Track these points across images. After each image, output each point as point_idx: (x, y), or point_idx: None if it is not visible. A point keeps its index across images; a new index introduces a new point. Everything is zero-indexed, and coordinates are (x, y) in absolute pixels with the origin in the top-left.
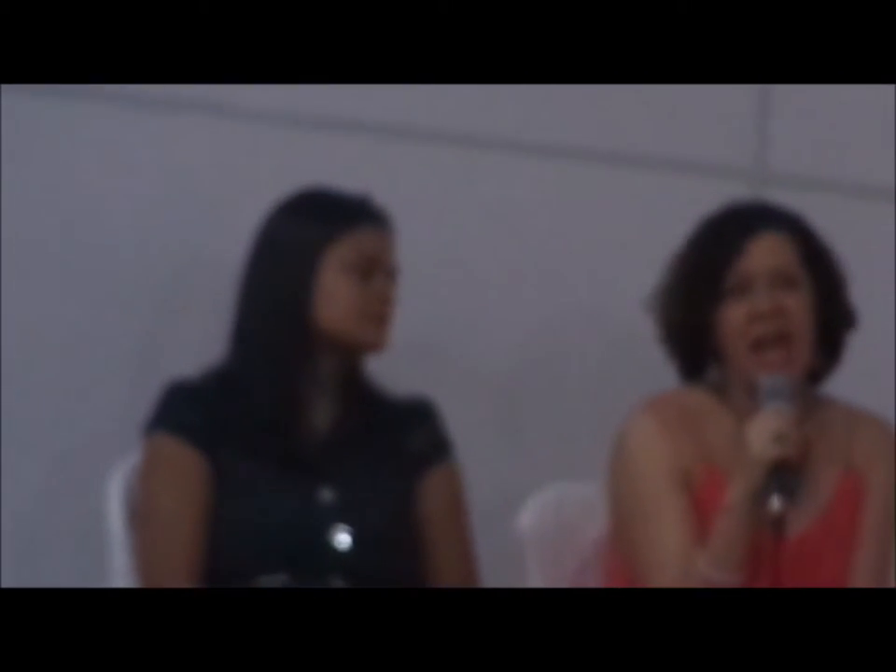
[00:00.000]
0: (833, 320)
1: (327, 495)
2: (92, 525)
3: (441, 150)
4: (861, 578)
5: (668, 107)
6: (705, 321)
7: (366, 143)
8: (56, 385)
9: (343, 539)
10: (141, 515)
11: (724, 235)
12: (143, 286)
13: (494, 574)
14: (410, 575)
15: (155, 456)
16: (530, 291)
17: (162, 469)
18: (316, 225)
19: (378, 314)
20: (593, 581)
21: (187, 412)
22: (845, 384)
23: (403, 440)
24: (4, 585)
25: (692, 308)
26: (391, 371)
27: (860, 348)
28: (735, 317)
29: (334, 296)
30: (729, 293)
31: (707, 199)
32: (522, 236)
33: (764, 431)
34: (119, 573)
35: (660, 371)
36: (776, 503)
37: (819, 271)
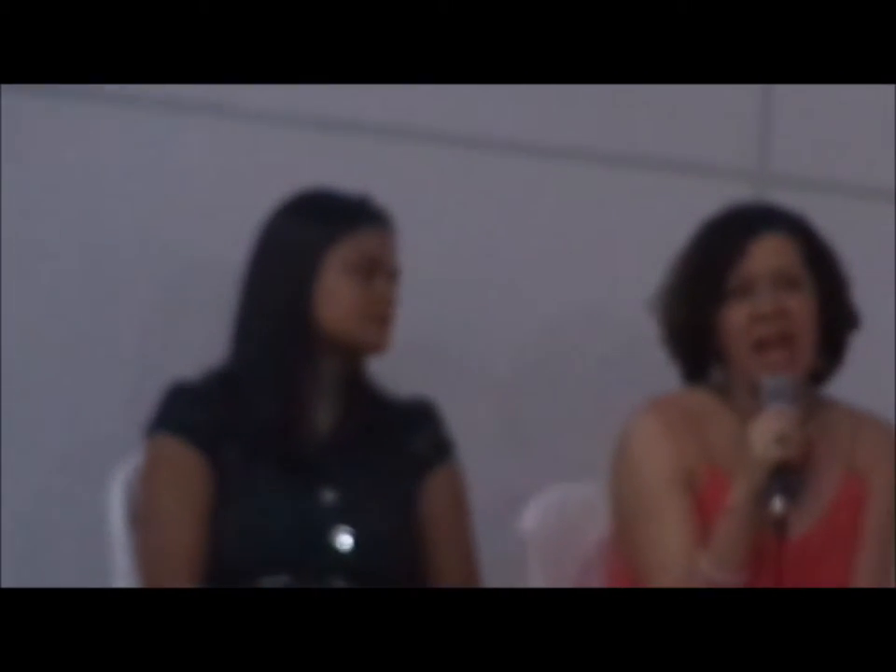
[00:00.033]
0: (835, 321)
1: (328, 495)
2: (94, 525)
3: (442, 151)
4: (863, 579)
5: (671, 108)
6: (707, 322)
7: (367, 143)
8: (58, 386)
9: (344, 539)
10: (142, 516)
11: (727, 236)
12: (144, 286)
13: (496, 575)
14: (411, 576)
15: (157, 457)
16: (532, 292)
17: (164, 470)
18: (318, 226)
19: (380, 315)
20: (595, 581)
21: (188, 412)
22: (845, 384)
23: (405, 441)
24: (6, 585)
25: (694, 309)
26: (393, 372)
27: (861, 348)
28: (737, 318)
29: (336, 297)
30: (732, 294)
31: (709, 200)
32: (524, 237)
33: (767, 432)
34: (121, 573)
35: (662, 371)
36: (778, 504)
37: (822, 272)
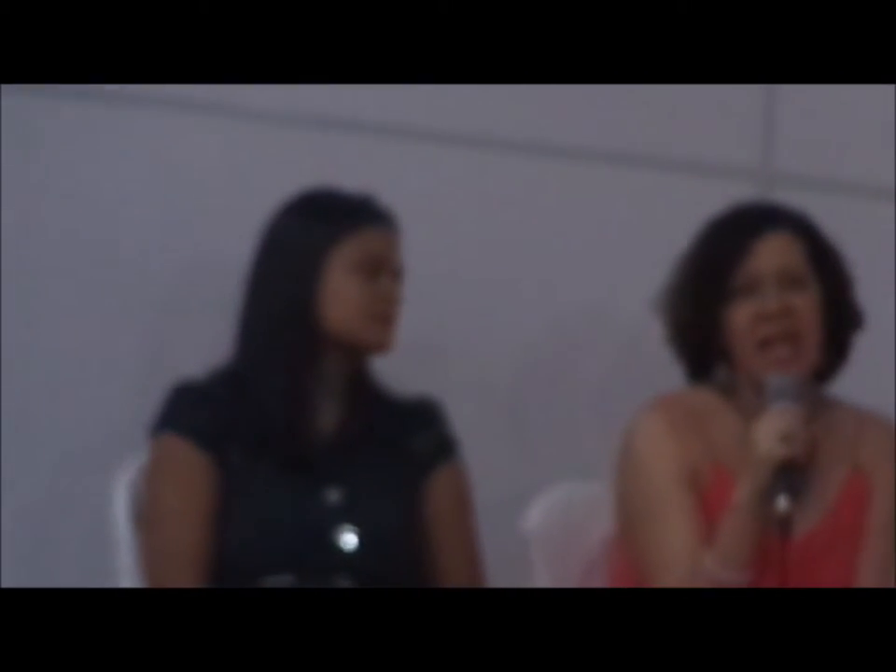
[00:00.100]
0: (839, 320)
1: (333, 495)
2: (99, 525)
3: (445, 151)
4: (867, 578)
5: (675, 108)
6: (712, 321)
7: (370, 143)
8: (62, 385)
9: (348, 539)
10: (147, 516)
11: (731, 236)
12: (147, 286)
13: (500, 574)
14: (416, 575)
15: (161, 457)
16: (536, 291)
17: (169, 470)
18: (322, 226)
19: (384, 314)
20: (599, 581)
21: (193, 412)
22: (845, 383)
23: (409, 440)
24: (10, 585)
25: (699, 308)
26: (397, 372)
27: (863, 347)
28: (742, 317)
29: (340, 296)
30: (736, 293)
31: (713, 199)
32: (527, 236)
33: (771, 431)
34: (126, 573)
35: (666, 371)
36: (782, 503)
37: (826, 271)
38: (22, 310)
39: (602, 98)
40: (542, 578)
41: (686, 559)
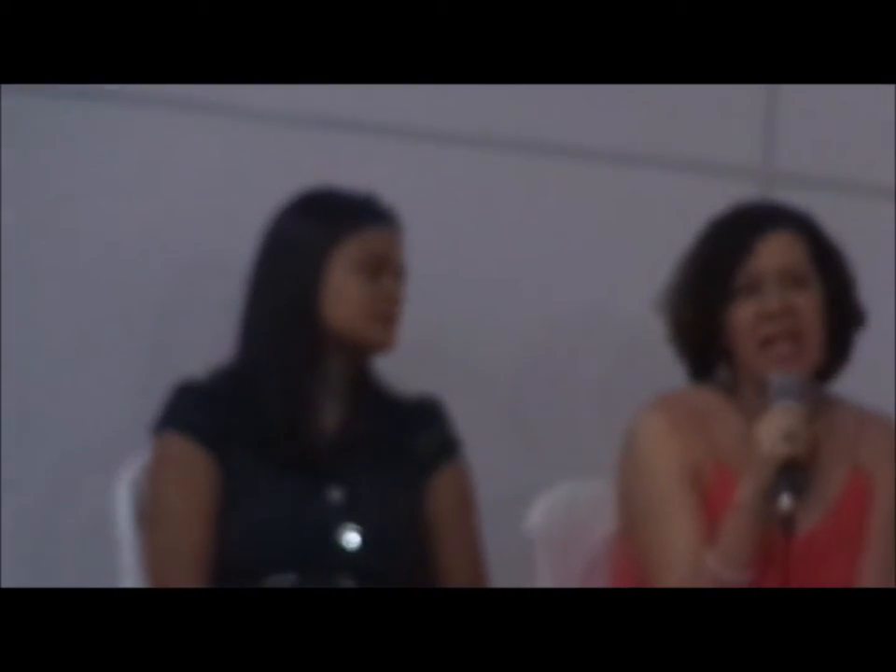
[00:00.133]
0: (841, 319)
1: (335, 494)
2: (101, 524)
3: (445, 150)
4: (869, 578)
5: (676, 107)
6: (714, 320)
7: (369, 143)
8: (64, 384)
9: (351, 538)
10: (150, 515)
11: (734, 235)
12: (148, 285)
13: (503, 573)
14: (419, 574)
15: (164, 456)
16: (538, 290)
17: (171, 469)
18: (324, 225)
19: (386, 313)
20: (602, 580)
21: (196, 411)
22: (845, 382)
23: (412, 439)
24: (13, 585)
25: (701, 308)
26: (399, 371)
27: (863, 347)
28: (744, 317)
29: (342, 295)
30: (739, 293)
31: (715, 198)
32: (529, 235)
33: (774, 430)
34: (128, 573)
35: (668, 369)
36: (785, 501)
37: (828, 270)
38: (23, 310)
39: (603, 98)
40: (545, 577)
41: (689, 558)
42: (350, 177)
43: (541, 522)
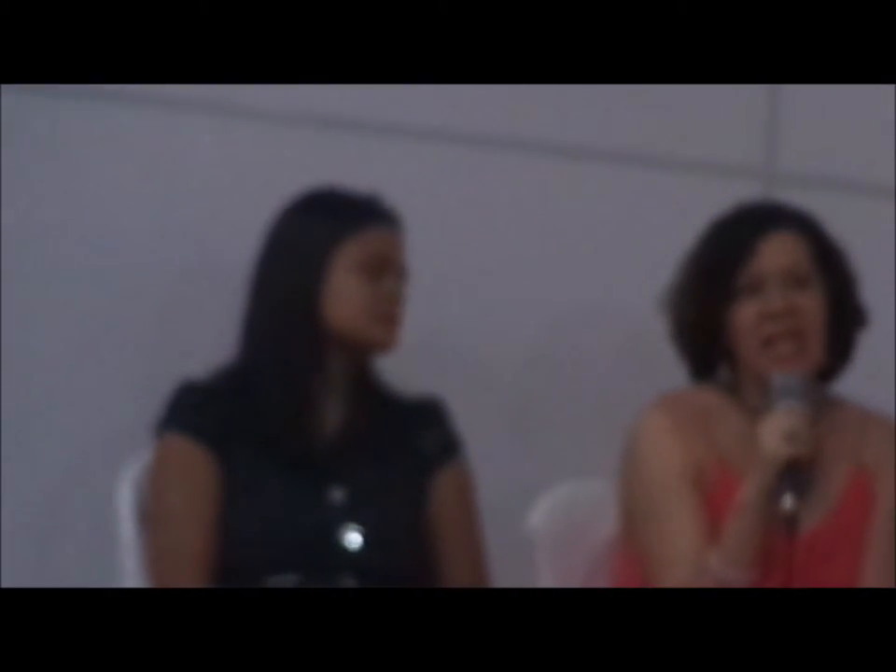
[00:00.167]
0: (844, 319)
1: (337, 494)
2: (103, 525)
3: (445, 150)
4: (871, 579)
5: (679, 107)
6: (716, 320)
7: (369, 143)
8: (66, 385)
9: (353, 538)
10: (151, 515)
11: (736, 235)
12: (149, 284)
13: (504, 572)
14: (420, 574)
15: (166, 456)
16: (540, 290)
17: (173, 469)
18: (326, 225)
19: (388, 313)
20: (603, 579)
21: (197, 412)
22: (845, 382)
23: (413, 439)
24: (15, 585)
25: (704, 307)
26: (401, 371)
27: (864, 347)
28: (747, 316)
29: (344, 296)
30: (741, 292)
31: (717, 198)
32: (532, 235)
33: (777, 430)
34: (130, 573)
35: (671, 369)
36: (788, 501)
37: (831, 269)
38: (23, 310)
39: (604, 98)
40: (546, 577)
41: (691, 558)
42: (351, 177)
43: (542, 522)
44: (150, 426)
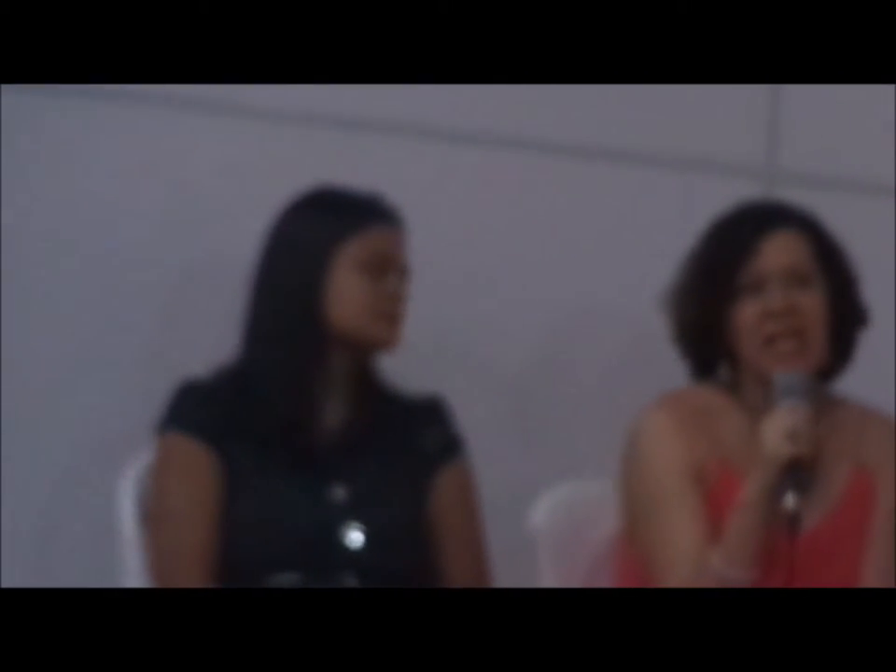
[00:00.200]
0: (845, 318)
1: (339, 493)
2: (105, 524)
3: (451, 149)
4: (871, 578)
5: (681, 107)
6: (718, 320)
7: (376, 141)
8: (67, 384)
9: (355, 537)
10: (153, 515)
11: (737, 234)
12: (150, 284)
13: (506, 571)
14: (422, 573)
15: (167, 455)
16: (542, 290)
17: (175, 468)
18: (328, 224)
19: (390, 312)
20: (605, 579)
21: (199, 410)
22: (845, 381)
23: (415, 438)
24: (17, 585)
25: (705, 307)
26: (403, 369)
27: (864, 346)
28: (748, 316)
29: (346, 294)
30: (743, 291)
31: (719, 198)
32: (533, 234)
33: (779, 429)
34: (132, 573)
35: (672, 368)
36: (790, 500)
37: (832, 269)
38: (23, 309)
39: (606, 98)
40: (548, 576)
41: (692, 557)
42: (353, 176)
43: (544, 521)
44: (152, 425)
